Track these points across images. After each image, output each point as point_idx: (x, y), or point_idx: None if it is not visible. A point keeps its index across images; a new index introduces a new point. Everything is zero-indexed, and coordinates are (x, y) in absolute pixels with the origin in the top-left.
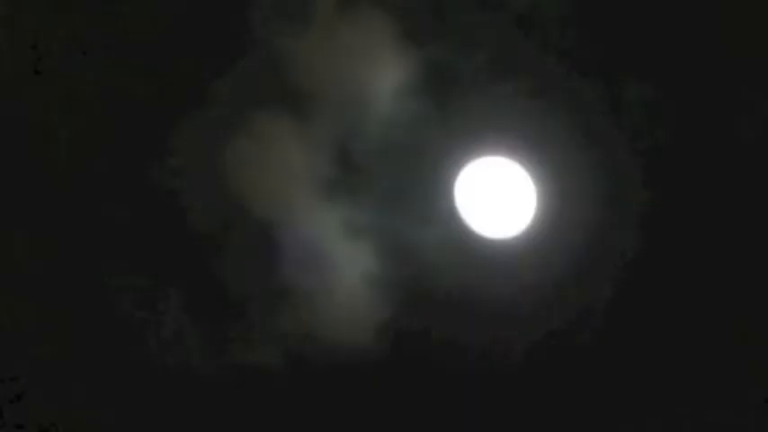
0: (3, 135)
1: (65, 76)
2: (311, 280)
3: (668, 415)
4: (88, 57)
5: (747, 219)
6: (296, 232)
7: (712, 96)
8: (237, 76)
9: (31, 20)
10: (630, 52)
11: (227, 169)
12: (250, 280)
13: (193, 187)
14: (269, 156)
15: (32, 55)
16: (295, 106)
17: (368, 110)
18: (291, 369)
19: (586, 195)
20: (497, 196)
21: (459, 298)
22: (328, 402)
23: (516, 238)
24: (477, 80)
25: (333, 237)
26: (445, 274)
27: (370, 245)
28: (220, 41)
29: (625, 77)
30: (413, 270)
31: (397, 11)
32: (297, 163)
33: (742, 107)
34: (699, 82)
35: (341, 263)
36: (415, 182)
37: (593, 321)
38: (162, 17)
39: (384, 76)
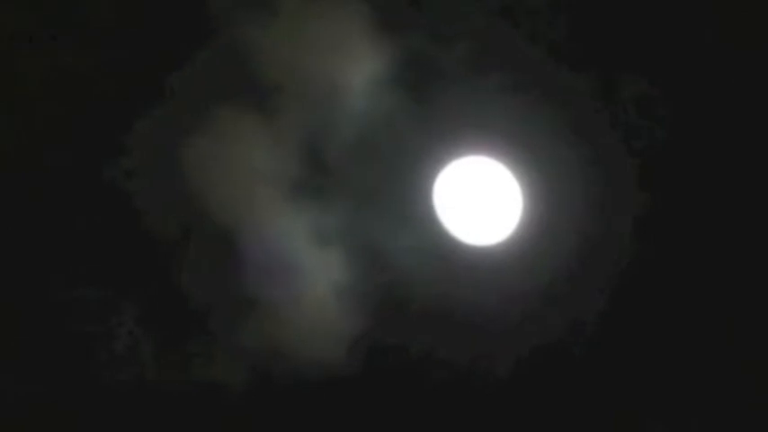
0: None
1: (10, 67)
2: (277, 290)
3: None
4: (36, 47)
5: (752, 223)
6: (261, 238)
7: (714, 91)
8: (197, 68)
9: None
10: (625, 43)
11: (186, 170)
12: (211, 290)
13: (149, 189)
14: (232, 155)
15: None
16: (260, 101)
17: (339, 105)
18: (256, 388)
19: (577, 198)
20: (480, 199)
21: (438, 310)
22: (296, 424)
23: (501, 245)
24: (459, 73)
25: (301, 243)
26: (423, 284)
27: (341, 252)
28: (178, 31)
29: (619, 71)
30: (388, 279)
31: None
32: (262, 163)
33: (746, 103)
34: (699, 76)
35: (310, 271)
36: (391, 183)
37: (585, 335)
38: (114, 5)
39: (357, 69)
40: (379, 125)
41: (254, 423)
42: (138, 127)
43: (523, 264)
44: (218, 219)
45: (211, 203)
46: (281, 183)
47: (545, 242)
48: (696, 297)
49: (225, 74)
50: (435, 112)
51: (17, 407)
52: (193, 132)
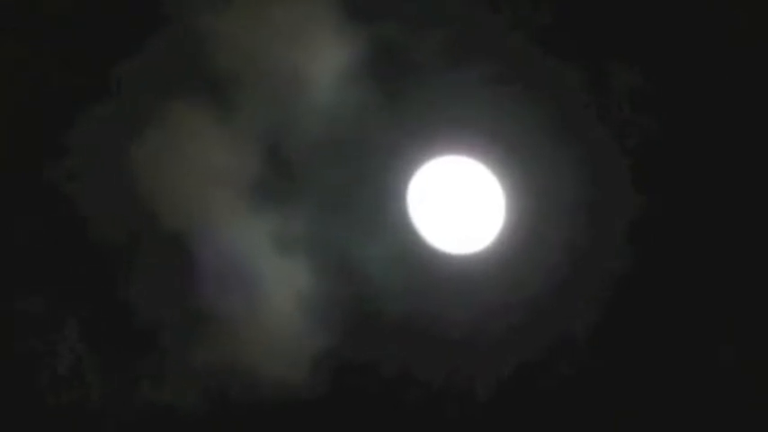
0: None
1: None
2: (235, 302)
3: None
4: None
5: (753, 226)
6: (217, 245)
7: (711, 85)
8: (147, 59)
9: None
10: (617, 30)
11: (134, 170)
12: (161, 303)
13: (94, 192)
14: (185, 154)
15: None
16: (216, 95)
17: (304, 100)
18: (211, 410)
19: (565, 201)
20: (458, 203)
21: (412, 324)
22: None
23: (481, 253)
24: (435, 65)
25: (261, 250)
26: (396, 296)
27: (305, 260)
28: (126, 18)
29: (611, 60)
30: (357, 291)
31: None
32: (218, 163)
33: (745, 98)
34: (696, 68)
35: (271, 281)
36: (361, 185)
37: (575, 352)
38: None
39: (324, 60)
40: (347, 121)
41: None
42: (82, 123)
43: (506, 274)
44: (169, 224)
45: (162, 207)
46: (239, 184)
47: (530, 250)
48: (696, 309)
49: (178, 64)
50: (409, 108)
51: None
52: (143, 129)
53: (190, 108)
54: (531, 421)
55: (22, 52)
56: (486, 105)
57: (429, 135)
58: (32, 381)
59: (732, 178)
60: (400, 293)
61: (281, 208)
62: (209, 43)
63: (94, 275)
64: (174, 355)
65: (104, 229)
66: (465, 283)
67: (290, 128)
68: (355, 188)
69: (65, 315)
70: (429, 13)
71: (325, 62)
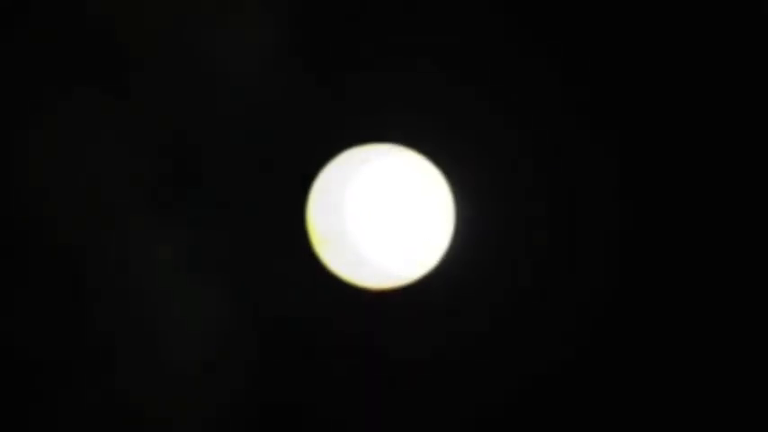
0: None
1: None
2: (126, 332)
3: None
4: None
5: (758, 237)
6: (102, 264)
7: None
8: (14, 41)
9: None
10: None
11: (10, 173)
12: (48, 334)
13: None
14: (60, 154)
15: None
16: (99, 79)
17: (207, 82)
18: None
19: (530, 210)
20: (397, 211)
21: (341, 361)
22: None
23: (425, 279)
24: (366, 38)
25: (154, 270)
26: (317, 328)
27: (210, 281)
28: None
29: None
30: (272, 319)
31: None
32: (101, 163)
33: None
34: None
35: (166, 308)
36: (273, 189)
37: (543, 397)
38: None
39: (232, 34)
40: (260, 111)
41: None
42: None
43: (454, 303)
44: (43, 239)
45: (33, 220)
46: (127, 190)
47: (480, 275)
48: (693, 342)
49: (51, 44)
50: (337, 91)
51: None
52: (21, 125)
53: (66, 96)
54: None
55: None
56: (433, 87)
57: (361, 123)
58: None
59: (732, 179)
60: (322, 325)
61: (176, 217)
62: (91, 15)
63: None
64: (64, 397)
65: None
66: (401, 316)
67: (189, 118)
68: (268, 193)
69: None
70: None
71: (235, 36)
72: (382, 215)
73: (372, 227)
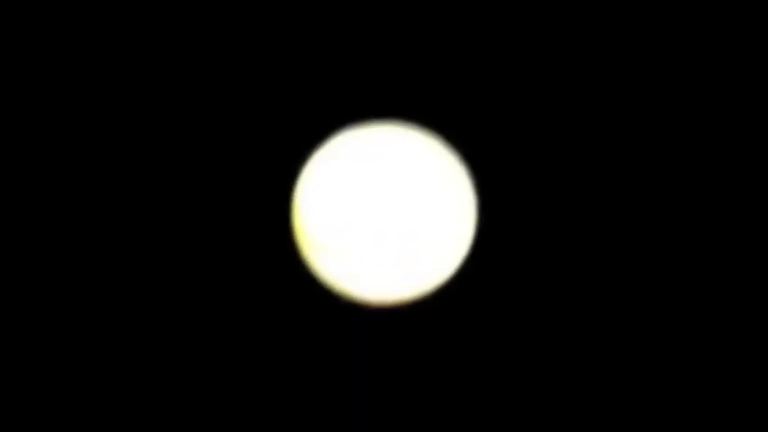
0: None
1: None
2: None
3: None
4: None
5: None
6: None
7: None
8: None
9: None
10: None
11: None
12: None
13: None
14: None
15: None
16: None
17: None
18: None
19: (550, 205)
20: (406, 208)
21: (331, 391)
22: None
23: (439, 294)
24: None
25: None
26: (306, 350)
27: None
28: None
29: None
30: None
31: None
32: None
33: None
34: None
35: None
36: (253, 182)
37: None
38: None
39: None
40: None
41: None
42: None
43: (472, 327)
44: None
45: None
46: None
47: (510, 286)
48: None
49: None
50: (330, 62)
51: None
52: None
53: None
54: None
55: None
56: (447, 60)
57: (358, 101)
58: None
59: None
60: (311, 343)
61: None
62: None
63: None
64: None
65: None
66: (401, 344)
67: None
68: (245, 186)
69: None
70: None
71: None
72: (386, 213)
73: (374, 228)
